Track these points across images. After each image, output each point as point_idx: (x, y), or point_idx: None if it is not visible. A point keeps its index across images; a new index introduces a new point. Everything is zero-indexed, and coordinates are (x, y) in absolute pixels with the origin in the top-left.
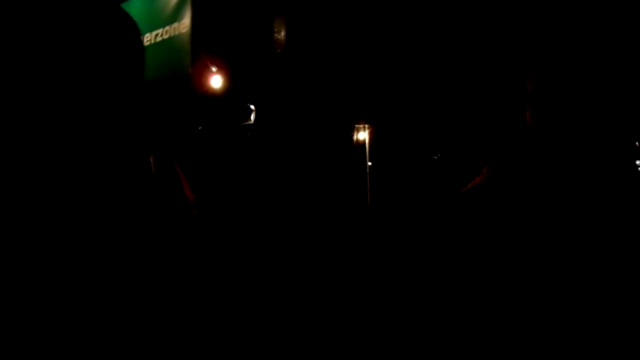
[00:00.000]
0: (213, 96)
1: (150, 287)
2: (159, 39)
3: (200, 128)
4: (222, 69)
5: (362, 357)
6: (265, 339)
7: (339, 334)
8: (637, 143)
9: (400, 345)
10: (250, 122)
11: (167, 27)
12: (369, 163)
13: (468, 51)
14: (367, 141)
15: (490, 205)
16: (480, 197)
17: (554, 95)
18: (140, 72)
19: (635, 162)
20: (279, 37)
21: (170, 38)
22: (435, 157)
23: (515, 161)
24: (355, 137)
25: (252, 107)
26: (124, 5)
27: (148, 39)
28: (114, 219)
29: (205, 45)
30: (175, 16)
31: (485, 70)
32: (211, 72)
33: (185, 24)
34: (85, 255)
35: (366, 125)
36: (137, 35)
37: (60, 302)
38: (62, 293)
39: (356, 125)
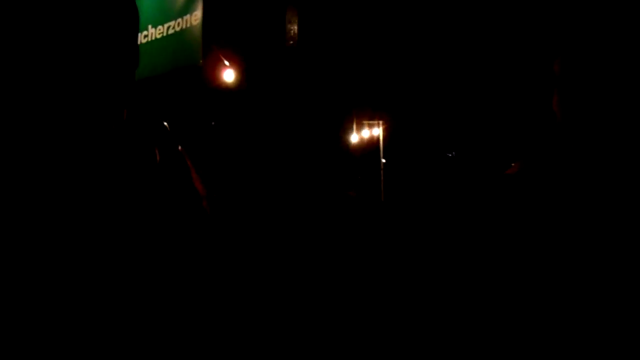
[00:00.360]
0: (225, 89)
1: (159, 283)
2: (170, 31)
3: (213, 123)
4: (234, 62)
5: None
6: (280, 335)
7: (353, 329)
8: None
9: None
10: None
11: (178, 20)
12: (383, 160)
13: (490, 36)
14: (381, 137)
15: (521, 197)
16: (511, 189)
17: (583, 80)
18: (135, 59)
19: None
20: (291, 29)
21: (181, 30)
22: (450, 155)
23: (544, 154)
24: (369, 134)
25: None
26: None
27: (160, 31)
28: (116, 213)
29: (217, 38)
30: (187, 8)
31: (509, 57)
32: (223, 65)
33: (197, 16)
34: (88, 251)
35: (380, 122)
36: (134, 22)
37: (61, 298)
38: (64, 288)
39: (369, 122)
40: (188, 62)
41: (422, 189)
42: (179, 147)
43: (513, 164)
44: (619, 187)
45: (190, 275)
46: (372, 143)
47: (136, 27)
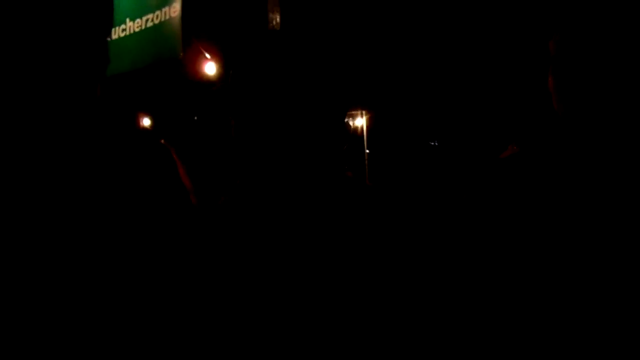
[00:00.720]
0: (206, 82)
1: (147, 280)
2: (149, 24)
3: (195, 118)
4: (214, 55)
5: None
6: (268, 332)
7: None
8: None
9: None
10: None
11: (157, 12)
12: (367, 151)
13: (474, 22)
14: (365, 127)
15: (514, 185)
16: (504, 174)
17: (581, 60)
18: (105, 56)
19: None
20: (273, 18)
21: (160, 23)
22: (433, 144)
23: (540, 138)
24: (352, 124)
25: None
26: None
27: (138, 24)
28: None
29: (197, 30)
30: (165, 0)
31: (494, 45)
32: (204, 58)
33: (175, 8)
34: (72, 248)
35: (364, 111)
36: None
37: (48, 295)
38: (51, 286)
39: (353, 112)
40: (168, 55)
41: (406, 178)
42: (162, 141)
43: (509, 147)
44: (618, 173)
45: (179, 269)
46: (356, 133)
47: (107, 22)
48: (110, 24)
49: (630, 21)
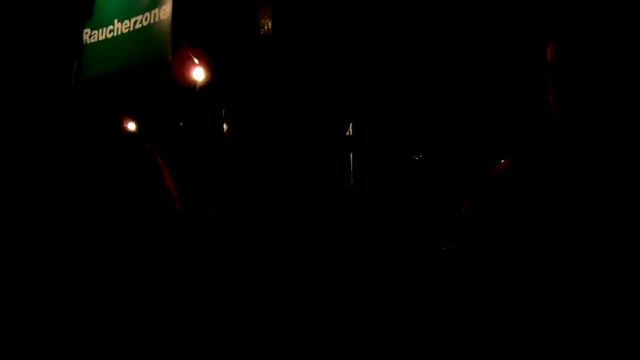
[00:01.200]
0: (194, 87)
1: (134, 282)
2: (137, 25)
3: (181, 125)
4: (204, 60)
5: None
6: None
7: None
8: None
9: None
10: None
11: (146, 14)
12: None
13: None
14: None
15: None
16: (500, 184)
17: (581, 68)
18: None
19: None
20: (264, 23)
21: (149, 25)
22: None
23: (537, 149)
24: (345, 132)
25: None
26: None
27: (127, 25)
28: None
29: (187, 34)
30: (155, 2)
31: (498, 44)
32: (193, 63)
33: (165, 10)
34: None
35: (351, 123)
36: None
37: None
38: (39, 282)
39: (344, 122)
40: (156, 58)
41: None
42: (148, 145)
43: (502, 161)
44: (621, 180)
45: (164, 272)
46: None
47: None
48: (87, 15)
49: (628, 28)
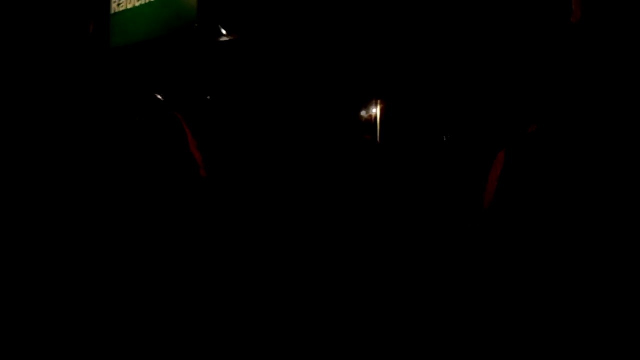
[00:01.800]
0: (222, 53)
1: (154, 260)
2: None
3: (208, 98)
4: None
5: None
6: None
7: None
8: None
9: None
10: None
11: None
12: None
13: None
14: (378, 117)
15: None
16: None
17: None
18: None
19: None
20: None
21: None
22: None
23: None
24: (367, 113)
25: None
26: None
27: None
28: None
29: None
30: None
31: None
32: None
33: None
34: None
35: (379, 100)
36: None
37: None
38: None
39: (367, 102)
40: (183, 23)
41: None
42: (176, 114)
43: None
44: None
45: (184, 244)
46: (370, 122)
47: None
48: None
49: None
